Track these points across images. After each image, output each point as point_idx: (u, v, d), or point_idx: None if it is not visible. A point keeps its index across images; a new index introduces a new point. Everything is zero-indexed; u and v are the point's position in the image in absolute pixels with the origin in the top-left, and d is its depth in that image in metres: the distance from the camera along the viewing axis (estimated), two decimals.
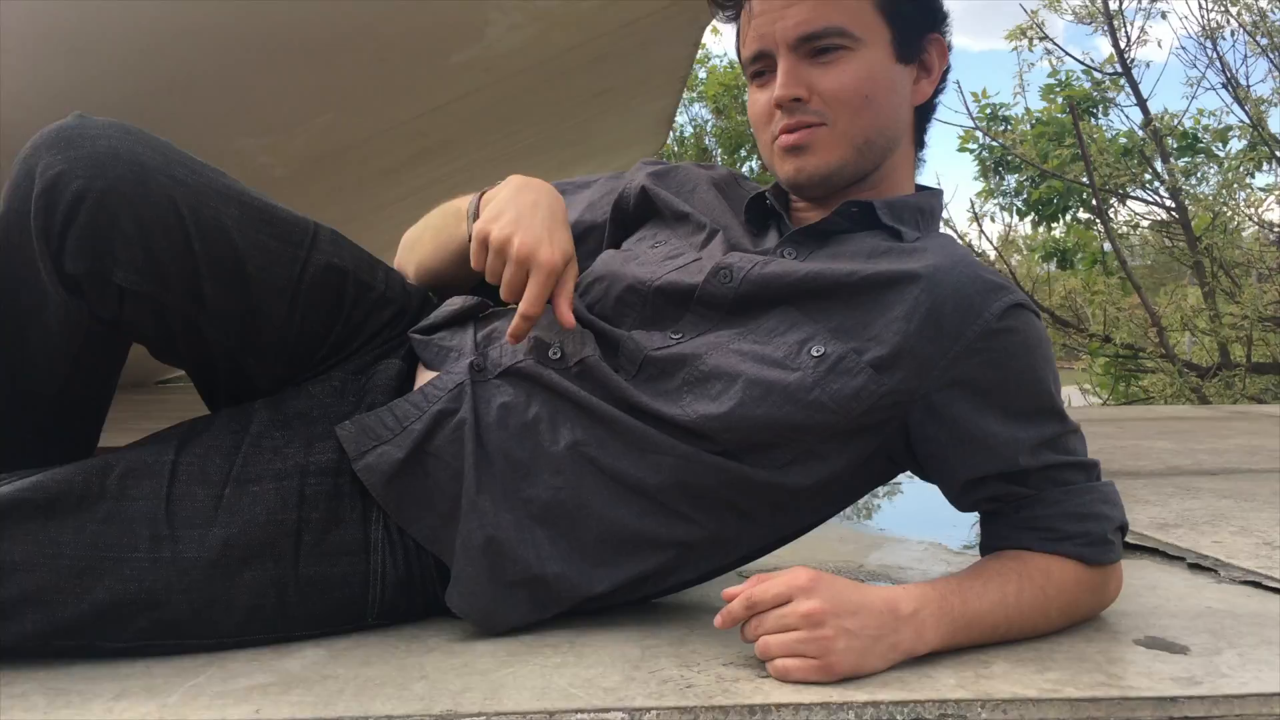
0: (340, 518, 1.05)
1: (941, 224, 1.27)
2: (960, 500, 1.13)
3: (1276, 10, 7.03)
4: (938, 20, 1.20)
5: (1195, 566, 1.41)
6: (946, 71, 1.22)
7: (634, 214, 1.33)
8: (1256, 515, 1.77)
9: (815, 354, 1.07)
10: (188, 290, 1.04)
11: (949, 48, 1.21)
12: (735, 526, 1.12)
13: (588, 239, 1.32)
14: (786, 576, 0.96)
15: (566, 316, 1.08)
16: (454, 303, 1.23)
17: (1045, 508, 1.08)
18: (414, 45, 3.24)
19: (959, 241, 1.22)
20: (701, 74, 14.48)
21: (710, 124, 14.93)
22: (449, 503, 1.07)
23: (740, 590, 0.97)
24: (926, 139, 1.26)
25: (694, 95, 14.69)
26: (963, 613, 1.00)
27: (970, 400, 1.07)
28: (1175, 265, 8.64)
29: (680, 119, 14.79)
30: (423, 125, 4.01)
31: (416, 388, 1.13)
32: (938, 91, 1.22)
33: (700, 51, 14.01)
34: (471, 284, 1.25)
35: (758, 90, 1.19)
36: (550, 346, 1.11)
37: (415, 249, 1.31)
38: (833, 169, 1.16)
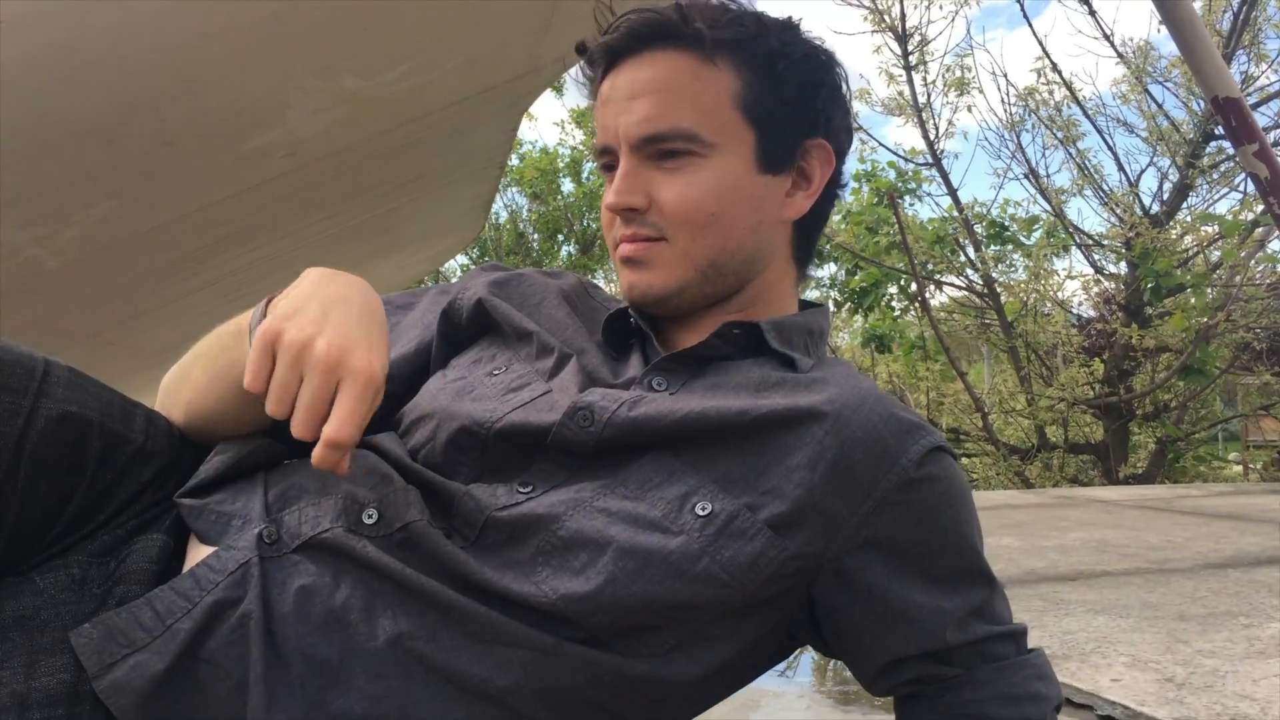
0: None
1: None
2: (876, 684, 0.94)
3: (1071, 105, 7.43)
4: (816, 124, 1.01)
5: (1108, 719, 1.26)
6: (834, 181, 1.04)
7: (466, 329, 1.10)
8: (1140, 638, 1.66)
9: (701, 512, 0.86)
10: None
11: (837, 154, 1.03)
12: None
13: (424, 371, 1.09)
14: None
15: (345, 464, 0.80)
16: (231, 448, 0.97)
17: (975, 690, 0.90)
18: (205, 128, 2.95)
19: (858, 370, 1.03)
20: (515, 160, 14.48)
21: (527, 209, 14.90)
22: None
23: None
24: (811, 254, 1.08)
25: (509, 181, 14.65)
26: None
27: (887, 564, 0.89)
28: (971, 342, 8.95)
29: (496, 204, 14.69)
30: (219, 212, 3.68)
31: (187, 569, 0.86)
32: (824, 202, 1.04)
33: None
34: (259, 429, 0.99)
35: (608, 187, 1.01)
36: (365, 507, 0.87)
37: (182, 387, 0.99)
38: (670, 290, 0.98)
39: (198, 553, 0.89)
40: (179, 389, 0.99)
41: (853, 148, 1.10)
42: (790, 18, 1.04)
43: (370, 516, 0.86)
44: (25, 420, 0.83)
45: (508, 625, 0.83)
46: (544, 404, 0.94)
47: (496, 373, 1.00)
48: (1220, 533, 2.96)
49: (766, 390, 0.92)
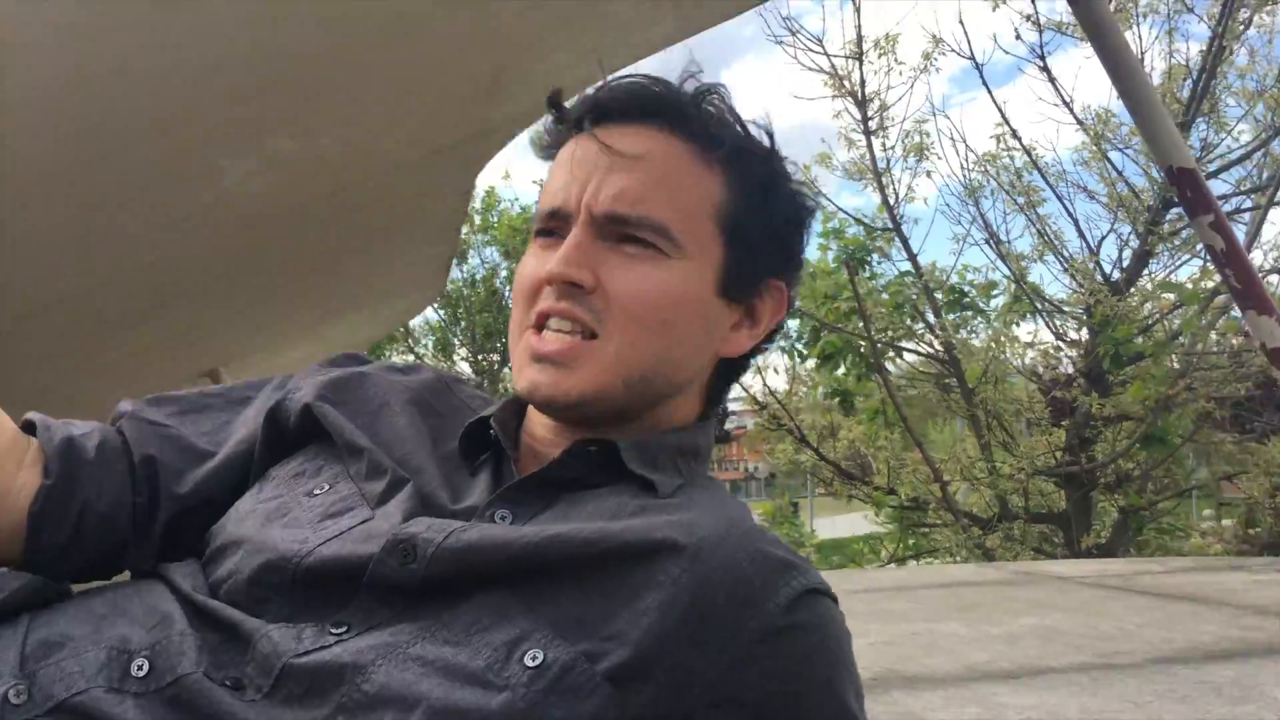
0: None
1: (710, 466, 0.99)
2: None
3: (1031, 171, 7.45)
4: (787, 264, 0.95)
5: None
6: (777, 329, 0.96)
7: (294, 434, 0.98)
8: None
9: (531, 663, 0.75)
10: None
11: (789, 302, 0.96)
12: None
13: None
14: None
15: None
16: None
17: None
18: (131, 193, 2.85)
19: (730, 495, 0.93)
20: (494, 217, 14.54)
21: (503, 266, 14.94)
22: None
23: None
24: (722, 398, 0.99)
25: (487, 239, 14.71)
26: None
27: None
28: (936, 407, 8.90)
29: (474, 261, 14.70)
30: (153, 275, 3.58)
31: None
32: (758, 349, 0.96)
33: (489, 197, 14.04)
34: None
35: (536, 253, 0.91)
36: (135, 656, 0.76)
37: None
38: (586, 397, 0.87)
39: None
40: None
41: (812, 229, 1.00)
42: (776, 147, 0.94)
43: (141, 668, 0.75)
44: None
45: None
46: (361, 534, 0.83)
47: (317, 493, 0.89)
48: (1175, 618, 2.86)
49: (622, 519, 0.82)
